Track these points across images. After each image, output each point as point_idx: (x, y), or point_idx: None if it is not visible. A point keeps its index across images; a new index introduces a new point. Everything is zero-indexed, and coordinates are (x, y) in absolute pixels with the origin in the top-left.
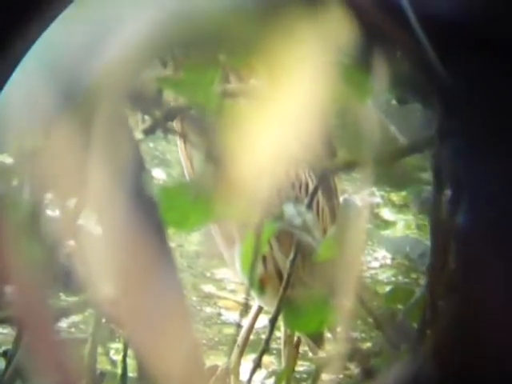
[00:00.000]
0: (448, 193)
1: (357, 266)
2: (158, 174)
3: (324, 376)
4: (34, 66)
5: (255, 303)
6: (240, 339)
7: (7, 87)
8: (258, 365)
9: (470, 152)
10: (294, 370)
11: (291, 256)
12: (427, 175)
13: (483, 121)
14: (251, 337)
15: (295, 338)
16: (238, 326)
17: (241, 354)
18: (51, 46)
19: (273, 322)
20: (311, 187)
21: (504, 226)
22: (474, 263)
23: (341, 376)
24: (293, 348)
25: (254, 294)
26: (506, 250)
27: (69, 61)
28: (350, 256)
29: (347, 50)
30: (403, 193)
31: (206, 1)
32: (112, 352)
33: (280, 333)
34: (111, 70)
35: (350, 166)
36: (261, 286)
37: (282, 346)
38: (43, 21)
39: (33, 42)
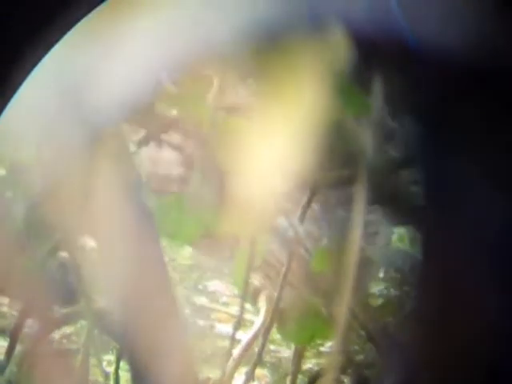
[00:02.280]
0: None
1: (349, 279)
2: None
3: None
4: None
5: (258, 319)
6: (237, 352)
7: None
8: (250, 377)
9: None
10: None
11: (284, 268)
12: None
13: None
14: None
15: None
16: (232, 338)
17: (236, 367)
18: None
19: (265, 334)
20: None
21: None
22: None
23: None
24: (300, 366)
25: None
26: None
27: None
28: (343, 268)
29: (344, 70)
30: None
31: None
32: (104, 364)
33: (273, 346)
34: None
35: (343, 180)
36: (254, 298)
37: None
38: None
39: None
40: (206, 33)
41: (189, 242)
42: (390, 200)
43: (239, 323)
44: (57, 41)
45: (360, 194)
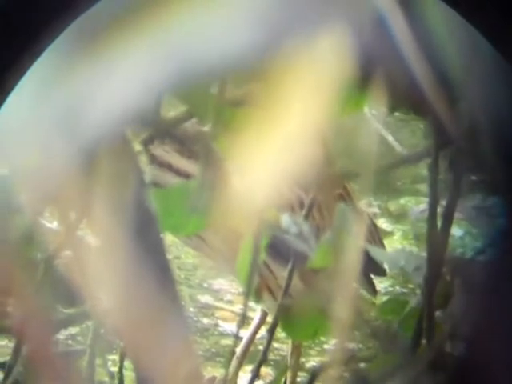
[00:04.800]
0: (444, 204)
1: (353, 275)
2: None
3: None
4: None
5: (256, 314)
6: (239, 350)
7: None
8: (256, 376)
9: None
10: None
11: (289, 265)
12: (424, 186)
13: None
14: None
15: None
16: (236, 337)
17: (239, 366)
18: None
19: (271, 332)
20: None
21: None
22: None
23: None
24: (298, 359)
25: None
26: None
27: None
28: (346, 264)
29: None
30: (401, 201)
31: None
32: (110, 364)
33: (278, 344)
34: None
35: (347, 177)
36: (258, 295)
37: (288, 357)
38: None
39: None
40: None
41: (190, 235)
42: (394, 195)
43: (243, 321)
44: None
45: (364, 190)
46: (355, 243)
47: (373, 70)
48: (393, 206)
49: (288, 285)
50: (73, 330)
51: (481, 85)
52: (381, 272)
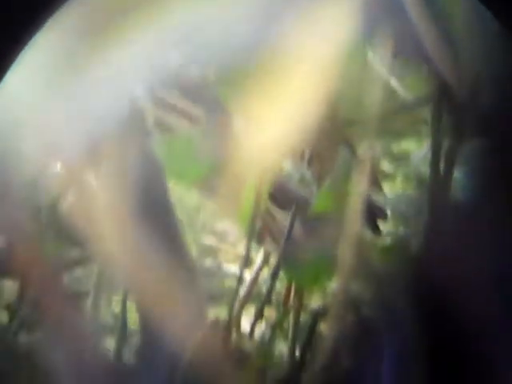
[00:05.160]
0: (446, 147)
1: (356, 219)
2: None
3: (322, 327)
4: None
5: (258, 256)
6: (242, 292)
7: None
8: (259, 317)
9: None
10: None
11: (292, 210)
12: (427, 129)
13: None
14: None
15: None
16: (239, 278)
17: (243, 307)
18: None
19: (274, 275)
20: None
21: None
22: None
23: (338, 327)
24: (301, 301)
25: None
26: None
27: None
28: (348, 209)
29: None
30: (403, 144)
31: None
32: (114, 305)
33: (281, 285)
34: None
35: (350, 123)
36: (260, 239)
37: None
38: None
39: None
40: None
41: (195, 181)
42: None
43: (246, 262)
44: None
45: (367, 134)
46: (356, 188)
47: (378, 24)
48: (395, 148)
49: (290, 229)
50: (77, 272)
51: (481, 42)
52: (382, 215)
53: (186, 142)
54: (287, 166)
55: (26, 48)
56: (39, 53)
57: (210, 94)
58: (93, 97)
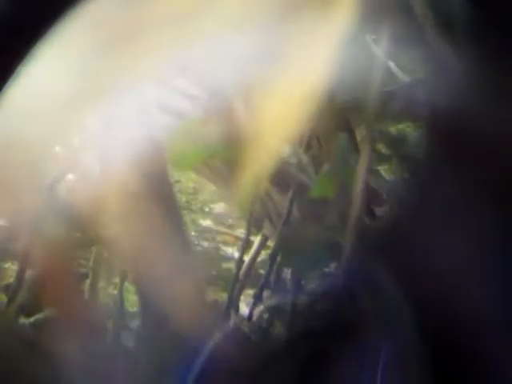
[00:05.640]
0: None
1: (354, 202)
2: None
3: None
4: None
5: (256, 239)
6: (240, 274)
7: None
8: (258, 300)
9: None
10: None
11: (290, 194)
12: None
13: None
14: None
15: None
16: (238, 261)
17: (241, 289)
18: None
19: (273, 257)
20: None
21: None
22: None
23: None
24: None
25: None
26: None
27: None
28: (347, 193)
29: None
30: (400, 126)
31: None
32: (112, 287)
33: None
34: None
35: (348, 108)
36: (258, 223)
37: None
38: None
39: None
40: None
41: (194, 165)
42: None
43: (245, 245)
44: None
45: (364, 118)
46: (354, 173)
47: (377, 9)
48: (392, 130)
49: (288, 214)
50: (77, 254)
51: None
52: (380, 202)
53: (185, 126)
54: (286, 150)
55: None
56: (47, 62)
57: (212, 79)
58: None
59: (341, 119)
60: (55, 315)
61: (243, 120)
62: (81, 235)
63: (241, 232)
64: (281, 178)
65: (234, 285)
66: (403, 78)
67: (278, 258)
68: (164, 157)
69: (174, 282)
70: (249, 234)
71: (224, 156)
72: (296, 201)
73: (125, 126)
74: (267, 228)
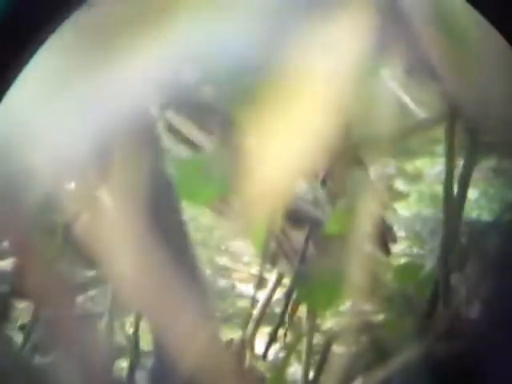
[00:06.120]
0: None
1: (367, 240)
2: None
3: (335, 348)
4: None
5: (272, 276)
6: (256, 312)
7: None
8: (273, 338)
9: None
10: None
11: (305, 232)
12: (441, 147)
13: None
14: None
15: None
16: (253, 299)
17: (256, 328)
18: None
19: (288, 295)
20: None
21: None
22: None
23: (352, 348)
24: (314, 322)
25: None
26: None
27: None
28: (361, 230)
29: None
30: (417, 163)
31: None
32: (128, 326)
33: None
34: None
35: (363, 144)
36: (274, 260)
37: (304, 320)
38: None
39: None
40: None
41: (208, 202)
42: (411, 156)
43: (259, 284)
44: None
45: (380, 154)
46: (369, 209)
47: (390, 41)
48: (409, 167)
49: (305, 251)
50: (91, 292)
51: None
52: (392, 237)
53: (198, 163)
54: (301, 186)
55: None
56: (46, 63)
57: (223, 113)
58: (104, 107)
59: (356, 155)
60: (69, 354)
61: (255, 154)
62: (95, 273)
63: (257, 269)
64: (296, 214)
65: (249, 323)
66: (419, 112)
67: (294, 295)
68: (175, 191)
69: (189, 321)
70: (263, 270)
71: (237, 192)
72: (312, 237)
73: (134, 158)
74: (283, 265)
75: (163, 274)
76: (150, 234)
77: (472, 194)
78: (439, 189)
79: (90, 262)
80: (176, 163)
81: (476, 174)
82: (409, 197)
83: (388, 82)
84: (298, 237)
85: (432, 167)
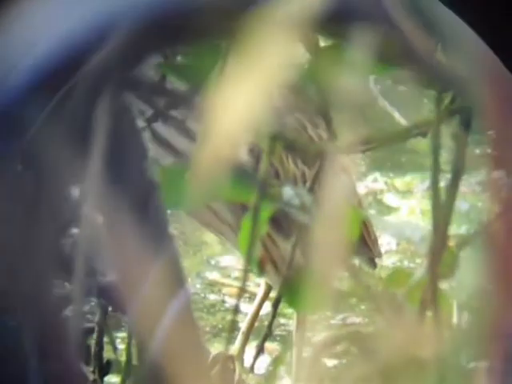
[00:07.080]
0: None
1: (352, 248)
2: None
3: (323, 359)
4: None
5: (260, 289)
6: (244, 325)
7: None
8: (260, 350)
9: None
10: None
11: (293, 239)
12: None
13: None
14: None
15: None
16: (236, 311)
17: (245, 341)
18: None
19: (275, 306)
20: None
21: None
22: None
23: (340, 359)
24: (303, 334)
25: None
26: None
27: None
28: (346, 238)
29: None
30: (407, 178)
31: None
32: (118, 341)
33: (284, 319)
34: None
35: (351, 149)
36: (260, 268)
37: (293, 332)
38: None
39: None
40: None
41: (191, 210)
42: (400, 171)
43: (243, 293)
44: None
45: (369, 165)
46: (355, 216)
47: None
48: (399, 182)
49: (292, 258)
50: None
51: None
52: (372, 264)
53: (179, 174)
54: (286, 191)
55: None
56: None
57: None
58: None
59: (342, 161)
60: (58, 369)
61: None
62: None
63: (247, 284)
64: (283, 220)
65: (238, 336)
66: (403, 121)
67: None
68: (162, 202)
69: (176, 335)
70: (246, 279)
71: (224, 197)
72: (299, 244)
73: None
74: (269, 272)
75: (149, 286)
76: (136, 246)
77: (462, 206)
78: (429, 203)
79: (78, 275)
80: (158, 172)
81: (464, 188)
82: (399, 210)
83: (377, 96)
84: (285, 243)
85: (421, 182)
